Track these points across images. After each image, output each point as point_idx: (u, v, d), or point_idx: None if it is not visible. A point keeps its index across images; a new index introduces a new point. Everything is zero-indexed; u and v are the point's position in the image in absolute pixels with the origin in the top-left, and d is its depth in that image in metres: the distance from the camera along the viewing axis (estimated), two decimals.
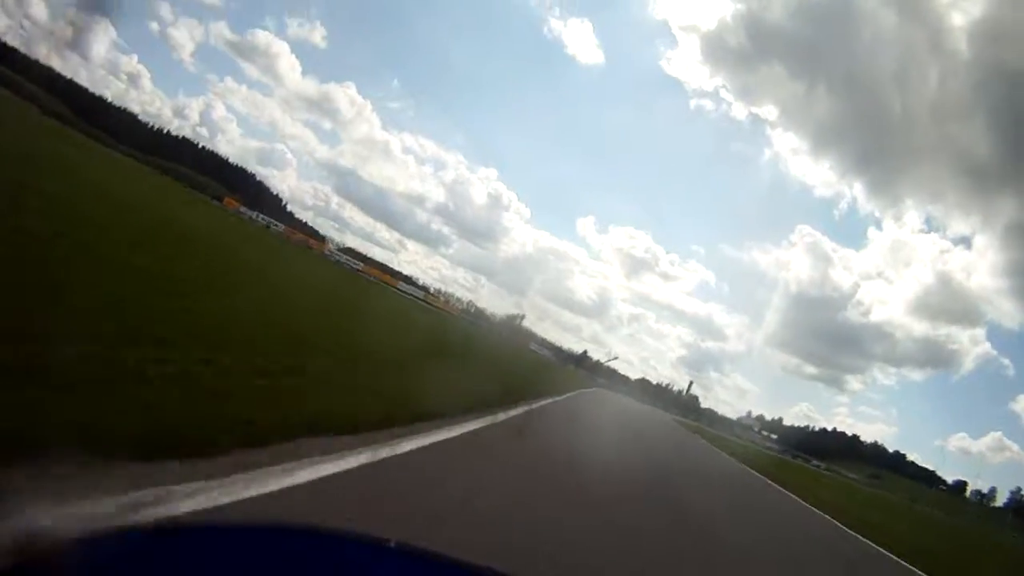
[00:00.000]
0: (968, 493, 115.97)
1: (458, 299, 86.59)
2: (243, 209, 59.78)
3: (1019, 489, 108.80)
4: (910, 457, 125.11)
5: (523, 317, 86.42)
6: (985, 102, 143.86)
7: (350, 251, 78.43)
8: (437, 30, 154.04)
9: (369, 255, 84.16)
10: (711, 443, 36.42)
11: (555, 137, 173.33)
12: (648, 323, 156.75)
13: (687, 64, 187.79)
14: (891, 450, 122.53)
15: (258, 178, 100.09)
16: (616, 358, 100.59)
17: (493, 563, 0.77)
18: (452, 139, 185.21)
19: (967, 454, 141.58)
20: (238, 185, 79.20)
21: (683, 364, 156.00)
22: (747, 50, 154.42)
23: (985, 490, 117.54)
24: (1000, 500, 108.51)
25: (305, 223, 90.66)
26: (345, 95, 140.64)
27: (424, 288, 77.97)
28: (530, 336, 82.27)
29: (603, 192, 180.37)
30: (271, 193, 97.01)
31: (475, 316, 77.68)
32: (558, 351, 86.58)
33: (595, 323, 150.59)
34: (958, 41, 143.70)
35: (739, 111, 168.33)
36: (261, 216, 61.73)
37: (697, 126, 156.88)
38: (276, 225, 62.33)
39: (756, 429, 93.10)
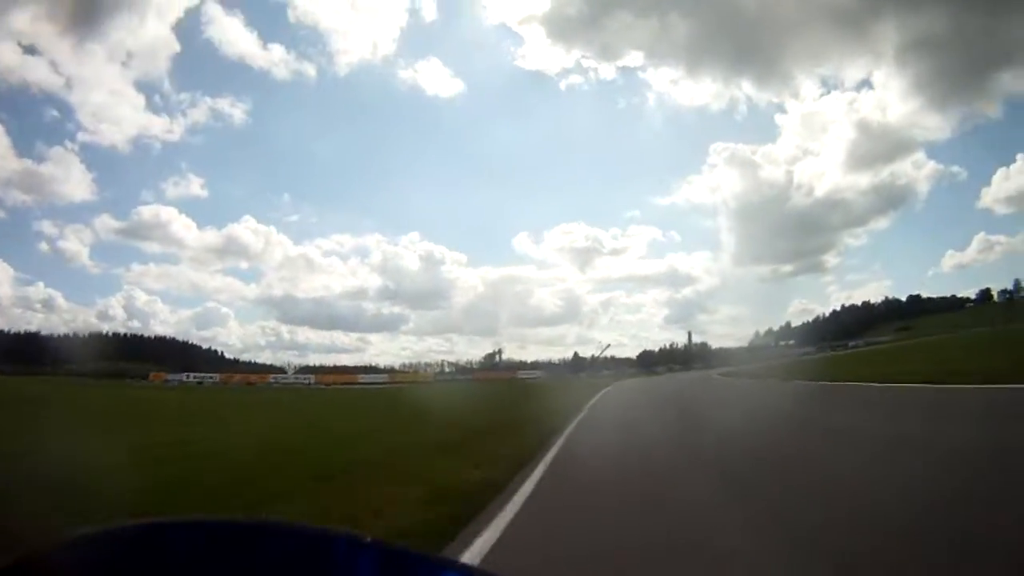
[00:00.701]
0: (996, 297, 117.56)
1: (428, 365, 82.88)
2: (170, 377, 63.06)
3: None
4: (924, 296, 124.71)
5: (500, 352, 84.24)
6: None
7: (309, 369, 78.62)
8: (302, 133, 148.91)
9: (339, 363, 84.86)
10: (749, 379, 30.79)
11: (455, 177, 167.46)
12: (621, 301, 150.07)
13: (541, 52, 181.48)
14: (904, 298, 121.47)
15: (191, 341, 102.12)
16: (609, 346, 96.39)
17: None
18: (362, 224, 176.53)
19: (962, 267, 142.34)
20: (171, 356, 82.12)
21: (670, 322, 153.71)
22: (589, 12, 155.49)
23: (1010, 286, 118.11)
24: None
25: (251, 362, 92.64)
26: (247, 230, 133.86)
27: (389, 370, 76.28)
28: (515, 366, 79.83)
29: (523, 205, 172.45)
30: (203, 349, 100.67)
31: (453, 372, 74.63)
32: (550, 367, 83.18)
33: (574, 326, 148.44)
34: None
35: (607, 71, 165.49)
36: (192, 376, 65.26)
37: (577, 103, 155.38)
38: (211, 378, 66.15)
39: (773, 345, 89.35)
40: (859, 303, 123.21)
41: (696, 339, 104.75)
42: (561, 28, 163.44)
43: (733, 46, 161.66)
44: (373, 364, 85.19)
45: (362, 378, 67.52)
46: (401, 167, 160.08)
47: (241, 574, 0.61)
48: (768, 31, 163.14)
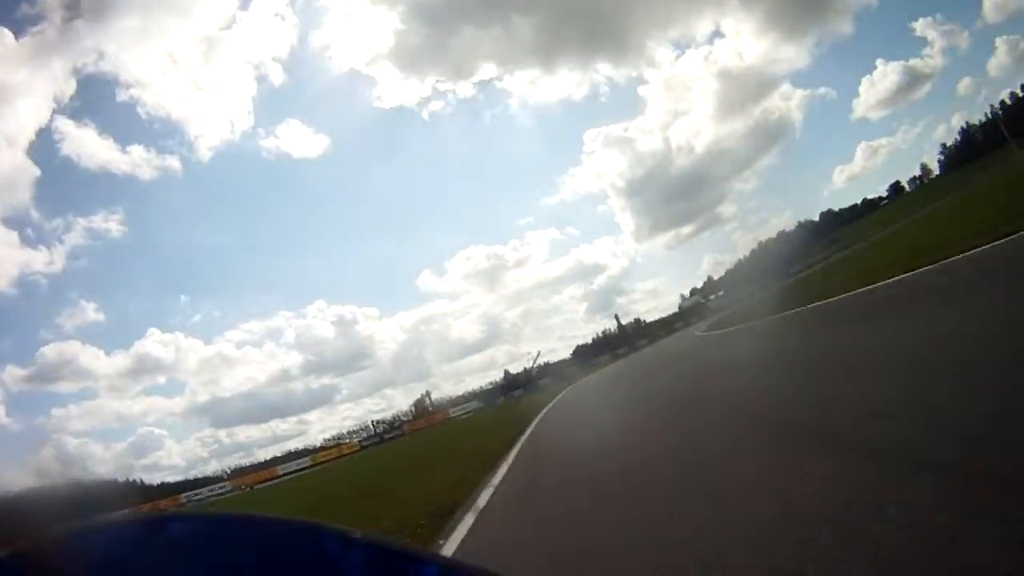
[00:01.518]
0: (907, 185, 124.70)
1: (352, 432, 75.93)
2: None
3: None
4: (836, 209, 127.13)
5: (429, 395, 78.26)
6: None
7: (239, 471, 72.57)
8: (182, 228, 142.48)
9: (287, 451, 79.86)
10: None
11: (344, 234, 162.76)
12: (540, 308, 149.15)
13: (396, 88, 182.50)
14: (815, 219, 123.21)
15: (132, 476, 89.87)
16: (539, 354, 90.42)
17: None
18: (267, 304, 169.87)
19: (854, 178, 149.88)
20: (112, 500, 71.04)
21: (593, 313, 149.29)
22: (432, 36, 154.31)
23: (917, 172, 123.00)
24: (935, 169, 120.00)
25: (195, 478, 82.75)
26: (154, 342, 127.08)
27: (313, 449, 71.56)
28: (447, 405, 74.53)
29: (418, 243, 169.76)
30: (137, 485, 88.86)
31: (385, 429, 68.53)
32: (482, 394, 77.21)
33: (500, 347, 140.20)
34: None
35: (465, 89, 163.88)
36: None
37: (443, 128, 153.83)
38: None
39: (703, 300, 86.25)
40: (775, 236, 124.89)
41: (624, 320, 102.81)
42: (409, 59, 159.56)
43: (581, 33, 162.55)
44: (306, 446, 77.35)
45: (281, 469, 59.62)
46: (289, 238, 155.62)
47: (234, 569, 0.62)
48: (611, 9, 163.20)
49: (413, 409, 77.83)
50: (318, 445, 73.92)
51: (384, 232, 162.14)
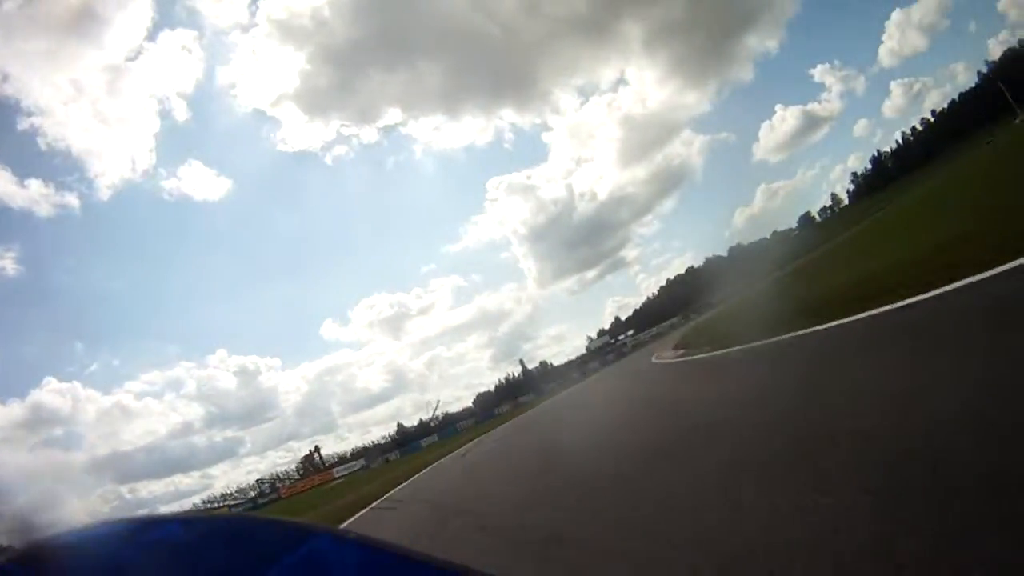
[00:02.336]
0: (817, 215, 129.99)
1: (231, 494, 69.47)
2: None
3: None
4: (745, 243, 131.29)
5: (318, 450, 72.57)
6: None
7: None
8: (78, 270, 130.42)
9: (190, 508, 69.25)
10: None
11: (245, 281, 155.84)
12: (445, 356, 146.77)
13: (300, 130, 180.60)
14: (724, 254, 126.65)
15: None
16: (439, 403, 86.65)
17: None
18: (166, 354, 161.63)
19: (754, 219, 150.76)
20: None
21: (498, 360, 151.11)
22: (339, 78, 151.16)
23: (828, 201, 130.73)
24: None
25: None
26: (50, 393, 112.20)
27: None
28: (334, 463, 69.05)
29: (320, 292, 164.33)
30: None
31: (257, 493, 62.78)
32: (368, 452, 71.81)
33: (405, 396, 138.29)
34: None
35: (369, 134, 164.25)
36: None
37: (346, 174, 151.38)
38: None
39: (614, 341, 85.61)
40: (684, 271, 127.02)
41: (531, 365, 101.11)
42: (315, 101, 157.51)
43: (486, 79, 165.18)
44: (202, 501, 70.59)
45: None
46: (190, 284, 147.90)
47: (229, 570, 0.62)
48: (517, 56, 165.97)
49: (300, 464, 72.34)
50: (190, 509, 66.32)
51: (286, 280, 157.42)
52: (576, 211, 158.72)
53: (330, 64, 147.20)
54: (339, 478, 54.97)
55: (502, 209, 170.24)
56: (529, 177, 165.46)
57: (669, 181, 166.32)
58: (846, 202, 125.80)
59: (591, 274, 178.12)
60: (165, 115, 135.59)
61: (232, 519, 0.72)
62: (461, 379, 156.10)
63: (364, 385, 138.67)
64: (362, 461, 63.16)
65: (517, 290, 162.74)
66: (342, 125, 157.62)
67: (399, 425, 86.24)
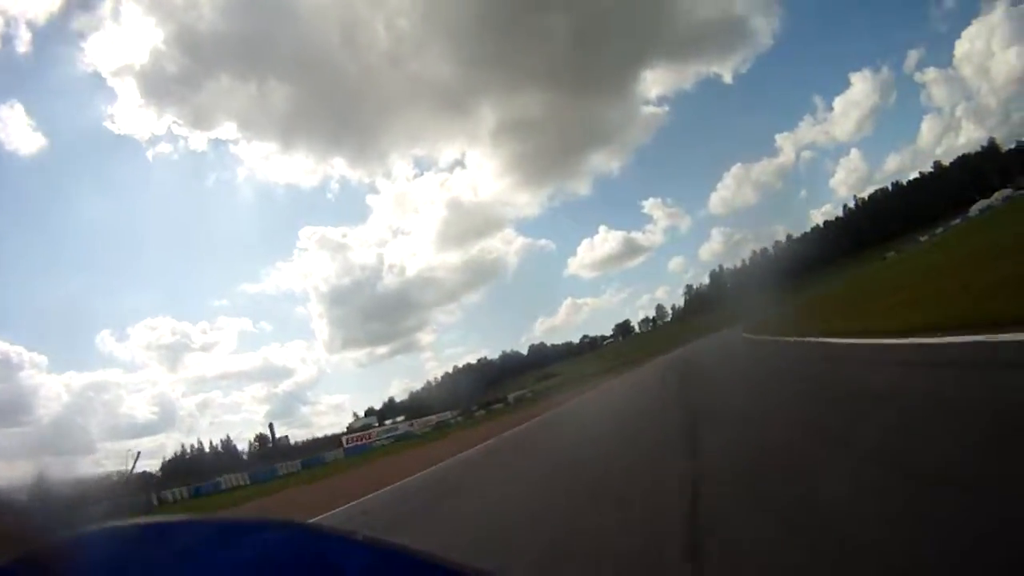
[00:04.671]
0: (638, 326, 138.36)
1: None
2: None
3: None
4: (549, 344, 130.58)
5: None
6: (436, 26, 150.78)
7: None
8: None
9: None
10: None
11: (28, 255, 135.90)
12: (219, 401, 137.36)
13: (132, 113, 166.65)
14: (525, 352, 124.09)
15: None
16: (139, 455, 60.17)
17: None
18: None
19: (553, 330, 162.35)
20: None
21: (275, 416, 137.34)
22: (189, 70, 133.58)
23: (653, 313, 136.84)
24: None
25: None
26: None
27: None
28: None
29: (107, 294, 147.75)
30: None
31: None
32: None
33: (172, 433, 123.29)
34: None
35: (199, 141, 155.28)
36: None
37: (165, 176, 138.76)
38: None
39: (375, 425, 72.66)
40: (474, 361, 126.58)
41: (300, 432, 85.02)
42: (157, 85, 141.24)
43: (330, 121, 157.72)
44: None
45: None
46: None
47: (235, 572, 0.62)
48: (367, 106, 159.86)
49: None
50: None
51: (72, 269, 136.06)
52: (382, 282, 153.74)
53: (186, 52, 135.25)
54: None
55: (309, 261, 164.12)
56: (344, 235, 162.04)
57: (480, 274, 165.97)
58: (669, 316, 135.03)
59: (382, 350, 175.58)
60: (7, 39, 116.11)
61: (237, 522, 0.64)
62: (233, 428, 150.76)
63: (130, 412, 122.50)
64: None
65: (305, 349, 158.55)
66: (175, 122, 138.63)
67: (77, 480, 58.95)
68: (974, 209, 67.40)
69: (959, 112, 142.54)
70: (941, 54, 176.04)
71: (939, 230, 71.00)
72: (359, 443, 58.52)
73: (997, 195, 66.65)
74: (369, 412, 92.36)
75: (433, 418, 66.24)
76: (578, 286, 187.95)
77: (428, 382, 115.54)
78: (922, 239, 71.97)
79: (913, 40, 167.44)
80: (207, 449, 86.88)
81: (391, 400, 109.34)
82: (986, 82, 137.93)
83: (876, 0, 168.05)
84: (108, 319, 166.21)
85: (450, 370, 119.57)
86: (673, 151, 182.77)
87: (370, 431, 64.55)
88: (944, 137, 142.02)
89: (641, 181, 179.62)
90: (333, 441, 65.03)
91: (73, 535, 0.61)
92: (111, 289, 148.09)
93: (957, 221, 68.58)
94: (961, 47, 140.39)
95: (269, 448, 76.42)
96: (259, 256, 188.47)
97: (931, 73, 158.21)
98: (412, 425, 64.55)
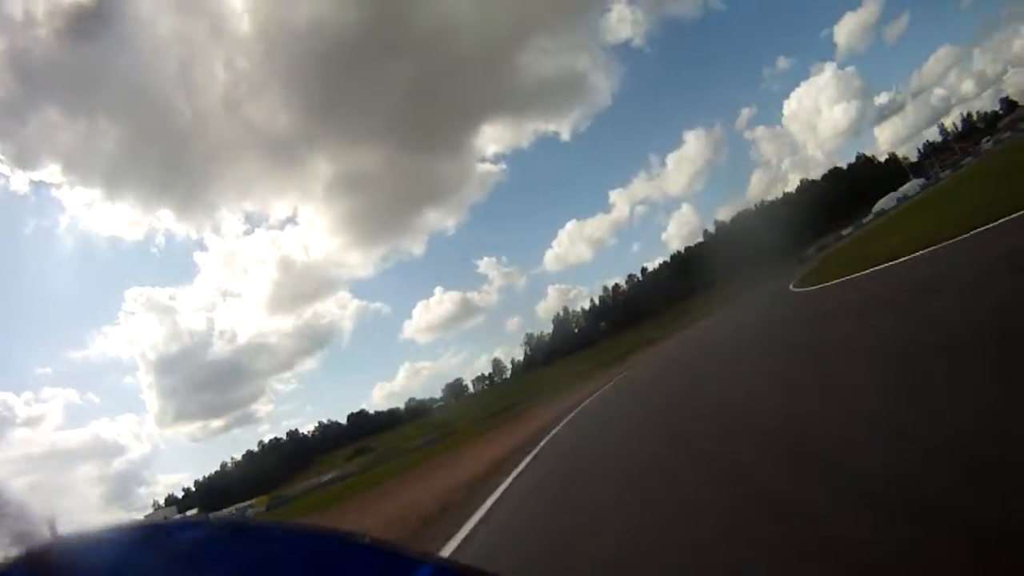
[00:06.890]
0: (470, 385, 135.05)
1: None
2: None
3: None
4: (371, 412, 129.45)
5: None
6: (275, 70, 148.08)
7: None
8: None
9: None
10: None
11: None
12: (50, 483, 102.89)
13: None
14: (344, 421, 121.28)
15: None
16: None
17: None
18: None
19: (394, 395, 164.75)
20: None
21: (112, 499, 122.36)
22: (12, 97, 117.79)
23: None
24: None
25: None
26: None
27: None
28: None
29: None
30: None
31: None
32: None
33: None
34: (237, 21, 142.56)
35: (20, 182, 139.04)
36: None
37: None
38: None
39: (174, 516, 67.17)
40: (283, 436, 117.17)
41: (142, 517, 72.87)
42: None
43: (158, 168, 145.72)
44: None
45: None
46: None
47: (235, 573, 0.62)
48: (199, 153, 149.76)
49: None
50: None
51: None
52: (212, 348, 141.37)
53: (14, 76, 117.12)
54: None
55: (136, 326, 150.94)
56: (172, 297, 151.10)
57: (315, 340, 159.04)
58: (508, 373, 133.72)
59: (217, 423, 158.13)
60: None
61: (242, 523, 0.63)
62: (66, 517, 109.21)
63: None
64: None
65: (137, 423, 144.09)
66: None
67: None
68: None
69: (785, 165, 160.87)
70: (772, 112, 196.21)
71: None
72: None
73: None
74: (170, 500, 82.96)
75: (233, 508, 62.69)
76: (415, 350, 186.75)
77: (224, 463, 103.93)
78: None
79: (746, 99, 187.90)
80: None
81: (202, 481, 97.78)
82: (812, 137, 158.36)
83: (714, 61, 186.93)
84: None
85: (255, 448, 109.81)
86: (508, 208, 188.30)
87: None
88: (771, 188, 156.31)
89: (476, 239, 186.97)
90: None
91: (73, 535, 0.60)
92: None
93: None
94: (789, 106, 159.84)
95: None
96: (84, 319, 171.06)
97: (760, 130, 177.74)
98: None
